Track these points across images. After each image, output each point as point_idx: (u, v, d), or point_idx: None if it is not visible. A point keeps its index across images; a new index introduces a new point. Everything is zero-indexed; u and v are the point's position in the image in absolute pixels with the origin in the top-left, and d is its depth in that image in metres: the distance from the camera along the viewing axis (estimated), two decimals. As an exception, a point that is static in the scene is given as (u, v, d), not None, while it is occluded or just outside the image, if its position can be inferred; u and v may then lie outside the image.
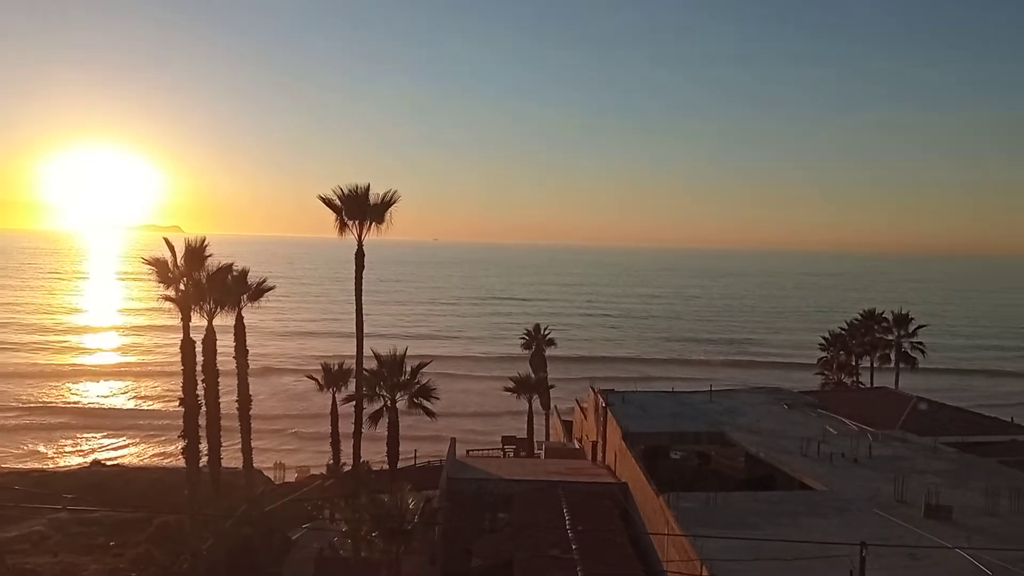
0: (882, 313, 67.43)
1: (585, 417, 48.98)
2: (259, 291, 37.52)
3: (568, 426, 56.77)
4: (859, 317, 67.91)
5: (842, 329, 68.47)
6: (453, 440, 41.34)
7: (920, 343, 66.22)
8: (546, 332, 66.21)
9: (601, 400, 42.18)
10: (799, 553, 19.51)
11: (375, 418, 34.90)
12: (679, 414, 41.37)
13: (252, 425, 37.70)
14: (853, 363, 67.06)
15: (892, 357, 65.26)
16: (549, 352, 66.14)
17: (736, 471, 39.52)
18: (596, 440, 42.23)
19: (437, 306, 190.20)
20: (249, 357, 37.67)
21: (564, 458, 44.42)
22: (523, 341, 66.37)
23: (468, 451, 51.57)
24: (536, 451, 53.09)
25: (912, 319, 66.66)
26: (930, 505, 24.51)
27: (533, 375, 59.82)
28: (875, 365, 66.28)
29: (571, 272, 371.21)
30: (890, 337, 65.84)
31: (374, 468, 40.59)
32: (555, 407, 61.51)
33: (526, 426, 56.26)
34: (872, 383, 64.72)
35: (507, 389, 57.62)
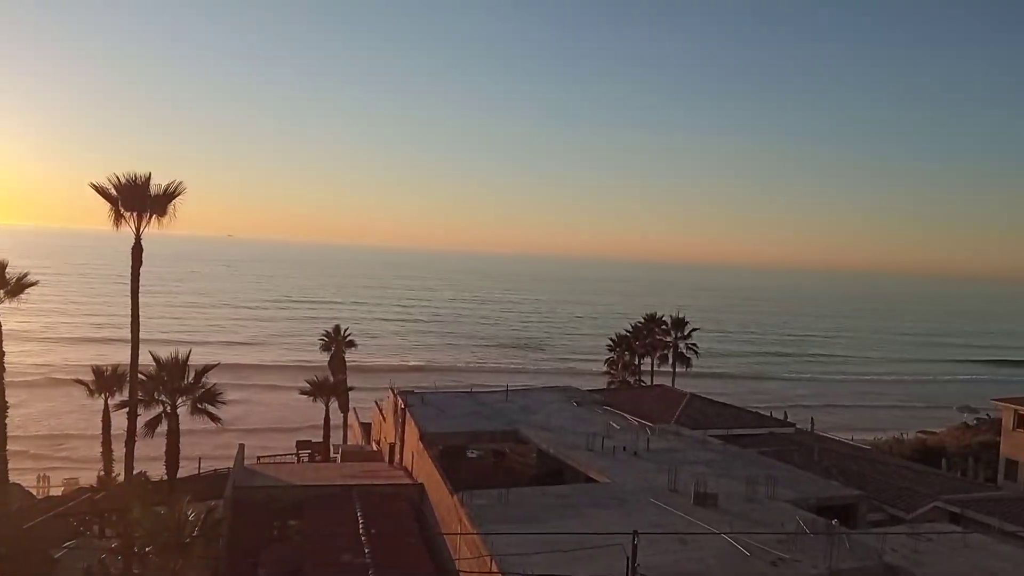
0: (662, 317, 72.68)
1: (384, 419, 48.53)
2: (19, 286, 33.80)
3: (367, 429, 56.06)
4: (642, 320, 72.74)
5: (627, 331, 72.99)
6: (241, 447, 39.38)
7: (694, 344, 72.05)
8: (346, 334, 65.00)
9: (400, 401, 41.97)
10: (583, 543, 20.43)
11: (152, 425, 32.52)
12: (476, 413, 42.04)
13: (12, 435, 33.88)
14: (636, 363, 71.69)
15: (670, 357, 70.50)
16: (350, 355, 65.07)
17: (529, 467, 40.86)
18: (394, 442, 41.97)
19: (233, 308, 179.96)
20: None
21: (361, 461, 43.74)
22: (322, 343, 64.75)
23: (259, 457, 49.44)
24: (333, 455, 51.87)
25: (687, 323, 72.42)
26: (699, 493, 26.55)
27: (332, 377, 58.49)
28: (655, 365, 71.27)
29: (376, 275, 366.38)
30: (668, 339, 71.09)
31: (153, 479, 37.85)
32: (354, 410, 60.53)
33: (323, 430, 54.85)
34: (652, 381, 69.51)
35: (303, 392, 55.85)
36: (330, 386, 55.64)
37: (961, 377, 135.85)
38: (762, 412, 55.29)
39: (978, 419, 78.97)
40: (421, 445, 34.88)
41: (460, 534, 24.36)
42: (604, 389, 62.12)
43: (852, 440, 59.87)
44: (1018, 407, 54.72)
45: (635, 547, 16.21)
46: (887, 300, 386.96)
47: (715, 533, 22.82)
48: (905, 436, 69.13)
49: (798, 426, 52.46)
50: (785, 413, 59.72)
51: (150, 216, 33.03)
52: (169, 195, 33.22)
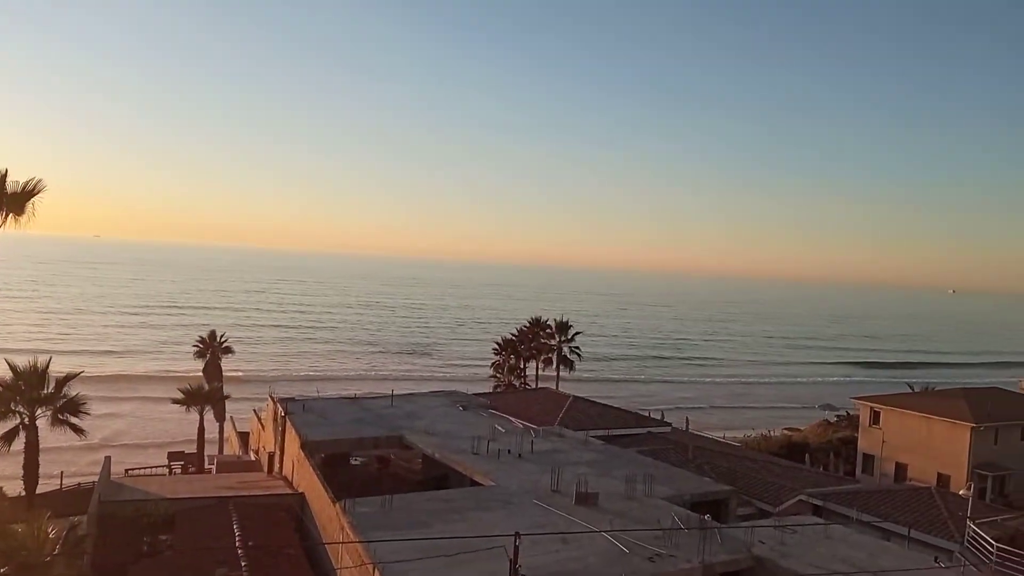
0: (547, 321, 73.84)
1: (263, 428, 47.06)
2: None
3: (245, 438, 54.20)
4: (527, 324, 73.67)
5: (513, 335, 73.73)
6: (107, 459, 37.30)
7: (577, 348, 73.56)
8: (223, 339, 62.72)
9: (280, 409, 40.82)
10: (466, 547, 20.48)
11: (8, 438, 30.33)
12: (360, 420, 41.39)
13: None
14: (522, 366, 72.52)
15: (554, 360, 71.70)
16: (229, 363, 62.86)
17: (414, 473, 40.61)
18: (274, 451, 40.77)
19: (99, 315, 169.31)
20: None
21: (238, 472, 42.23)
22: (196, 349, 62.21)
23: (127, 470, 46.93)
24: (208, 466, 49.84)
25: (571, 326, 73.87)
26: (580, 493, 27.14)
27: (206, 385, 56.22)
28: (540, 367, 72.32)
29: (255, 278, 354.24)
30: (552, 342, 72.29)
31: (10, 495, 35.19)
32: (231, 419, 58.42)
33: (197, 440, 52.59)
34: (537, 384, 70.49)
35: (175, 401, 53.37)
36: (204, 394, 53.41)
37: (830, 378, 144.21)
38: (641, 413, 57.09)
39: (838, 416, 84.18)
40: (302, 453, 34.04)
41: (342, 543, 23.95)
42: (490, 393, 62.49)
43: (724, 438, 62.68)
44: (874, 405, 58.80)
45: (517, 548, 16.41)
46: (760, 304, 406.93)
47: (595, 531, 23.38)
48: (772, 433, 72.89)
49: (674, 426, 54.47)
50: (662, 413, 61.89)
51: (6, 215, 30.80)
52: (28, 193, 31.06)
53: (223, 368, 63.36)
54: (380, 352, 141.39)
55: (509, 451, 34.27)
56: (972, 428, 50.99)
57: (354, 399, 48.25)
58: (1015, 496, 50.13)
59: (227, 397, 57.00)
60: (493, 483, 29.75)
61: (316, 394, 52.58)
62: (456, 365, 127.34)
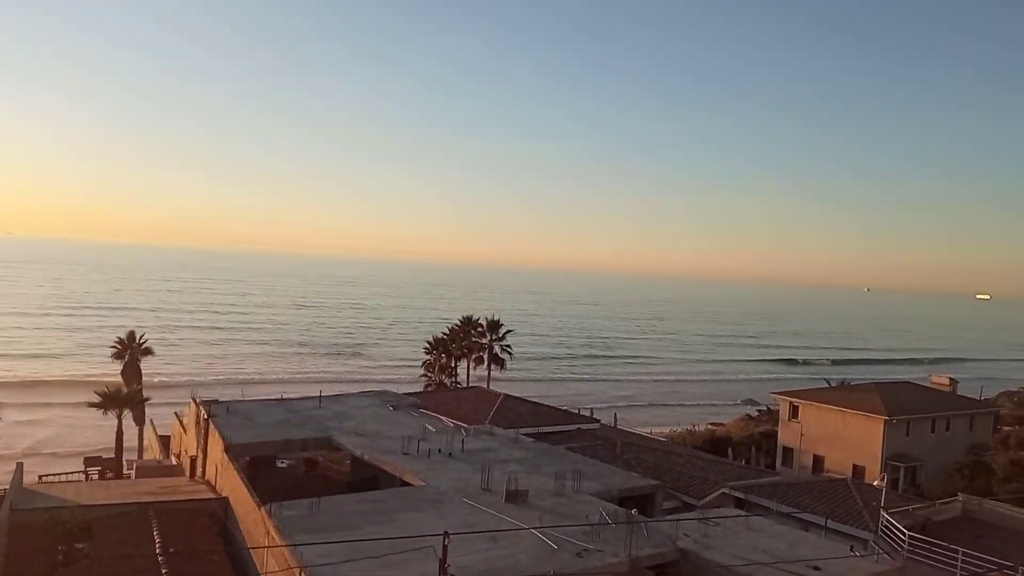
0: (478, 320, 73.93)
1: (184, 431, 45.75)
2: None
3: (166, 442, 52.63)
4: (459, 323, 73.63)
5: (444, 334, 73.59)
6: (19, 465, 35.71)
7: (508, 346, 73.87)
8: (143, 340, 60.79)
9: (203, 411, 39.74)
10: (395, 548, 20.34)
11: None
12: (287, 421, 40.63)
13: None
14: (453, 365, 72.44)
15: (485, 359, 71.85)
16: (150, 366, 60.96)
17: (343, 474, 40.11)
18: (196, 455, 39.68)
19: (10, 316, 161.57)
20: None
21: (159, 477, 40.93)
22: (114, 350, 60.14)
23: (40, 477, 44.98)
24: (127, 471, 48.21)
25: (502, 325, 74.14)
26: (510, 491, 27.26)
27: (125, 387, 54.41)
28: (472, 366, 72.37)
29: (178, 277, 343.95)
30: (484, 341, 72.43)
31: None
32: (151, 422, 56.68)
33: (115, 444, 50.85)
34: (468, 383, 70.51)
35: (92, 404, 51.48)
36: (123, 397, 51.67)
37: (753, 375, 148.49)
38: (571, 411, 57.71)
39: (760, 411, 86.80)
40: (226, 457, 33.23)
41: (267, 547, 23.48)
42: (421, 392, 62.23)
43: (651, 434, 63.90)
44: (793, 400, 60.80)
45: (445, 548, 16.40)
46: (688, 303, 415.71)
47: (524, 529, 23.53)
48: (697, 428, 74.66)
49: (603, 422, 55.25)
50: (591, 410, 62.69)
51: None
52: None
53: (143, 370, 61.44)
54: (310, 353, 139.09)
55: (439, 450, 34.17)
56: (885, 421, 53.24)
57: (281, 400, 47.35)
58: (926, 486, 52.56)
59: (147, 400, 55.31)
60: (423, 483, 29.61)
61: (241, 396, 51.37)
62: (387, 366, 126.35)
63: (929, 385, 75.73)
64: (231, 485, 31.78)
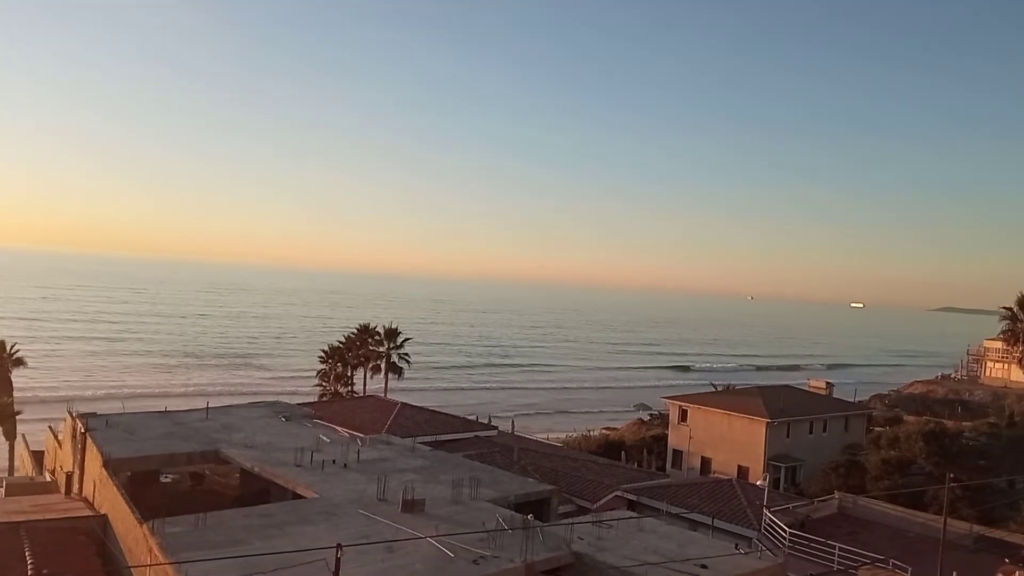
0: (375, 328, 73.04)
1: (60, 446, 43.17)
2: None
3: (39, 458, 49.50)
4: (355, 331, 72.51)
5: (340, 343, 72.32)
6: None
7: (406, 354, 73.28)
8: (13, 351, 57.13)
9: (80, 424, 37.62)
10: (287, 562, 19.83)
11: None
12: (172, 435, 38.95)
13: None
14: (349, 374, 71.27)
15: (383, 367, 71.03)
16: (22, 377, 57.30)
17: (231, 488, 38.81)
18: (72, 471, 37.51)
19: None
20: None
21: (31, 494, 38.44)
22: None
23: None
24: (-7, 490, 45.02)
25: (400, 333, 73.49)
26: (406, 500, 27.04)
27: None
28: (368, 375, 71.40)
29: (52, 284, 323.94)
30: (381, 349, 71.60)
31: None
32: (23, 437, 53.24)
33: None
34: (365, 392, 69.51)
35: (-45, 420, 47.95)
36: (-8, 412, 48.39)
37: (647, 381, 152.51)
38: (468, 418, 57.77)
39: (652, 416, 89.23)
40: (104, 472, 31.56)
41: (150, 565, 22.45)
42: (316, 402, 60.90)
43: (547, 439, 64.73)
44: (682, 404, 62.84)
45: (339, 560, 16.11)
46: (585, 311, 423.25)
47: (420, 538, 23.38)
48: (592, 433, 76.11)
49: (500, 429, 55.58)
50: (489, 417, 62.98)
51: None
52: None
53: (14, 383, 57.68)
54: (197, 365, 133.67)
55: (334, 461, 33.55)
56: (767, 423, 55.73)
57: (165, 413, 45.37)
58: (805, 485, 55.27)
59: (18, 413, 52.03)
60: (316, 495, 29.00)
61: (122, 409, 48.89)
62: (281, 377, 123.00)
63: (807, 389, 79.79)
64: (110, 502, 30.21)
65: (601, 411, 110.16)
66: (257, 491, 34.35)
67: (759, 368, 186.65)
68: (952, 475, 34.81)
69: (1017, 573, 25.99)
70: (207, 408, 45.19)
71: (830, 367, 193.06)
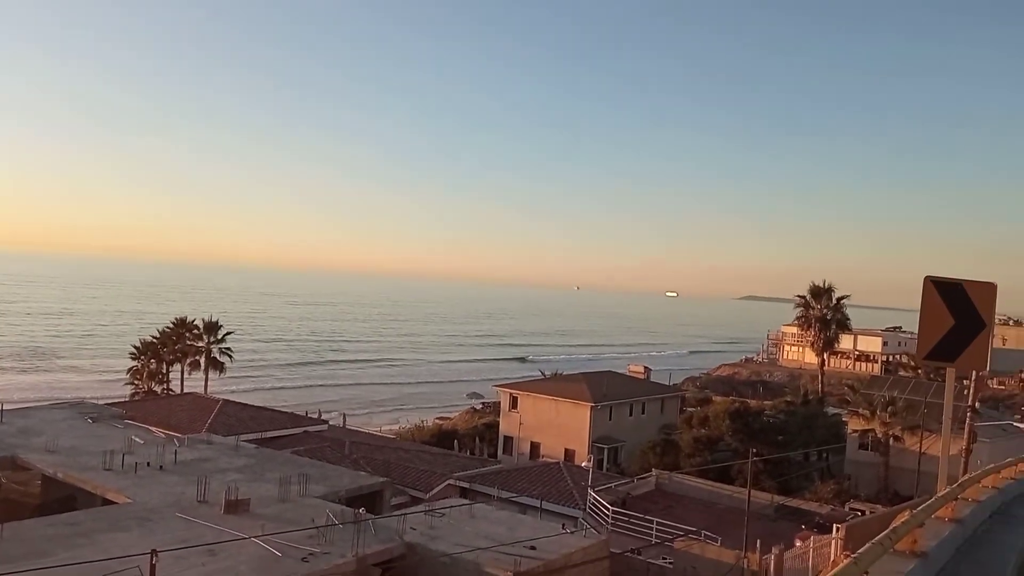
0: (193, 321, 69.17)
1: None
2: None
3: None
4: (171, 325, 68.33)
5: (154, 338, 67.91)
6: None
7: (228, 349, 69.94)
8: None
9: None
10: (94, 572, 18.47)
11: None
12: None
13: None
14: (165, 371, 67.10)
15: (202, 363, 67.41)
16: None
17: (31, 497, 35.54)
18: None
19: None
20: None
21: None
22: None
23: None
24: None
25: (221, 326, 70.00)
26: (229, 501, 25.91)
27: None
28: (187, 371, 67.52)
29: None
30: (200, 344, 67.92)
31: None
32: None
33: None
34: (183, 390, 65.70)
35: None
36: None
37: (480, 370, 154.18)
38: (297, 413, 56.16)
39: (484, 404, 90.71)
40: None
41: (-69, 588, 20.14)
42: (127, 402, 56.88)
43: (380, 431, 64.21)
44: (512, 391, 64.39)
45: (154, 567, 15.23)
46: (421, 304, 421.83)
47: (244, 539, 22.52)
48: (425, 423, 76.27)
49: (331, 423, 54.48)
50: (319, 411, 61.51)
51: None
52: None
53: None
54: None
55: (148, 464, 31.55)
56: (591, 407, 58.25)
57: (-52, 418, 40.71)
58: (626, 464, 58.30)
59: None
60: (129, 500, 27.18)
61: None
62: (88, 376, 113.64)
63: (627, 373, 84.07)
64: None
65: (436, 403, 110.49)
66: (62, 498, 31.72)
67: (584, 355, 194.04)
68: (755, 450, 37.94)
69: (812, 538, 28.83)
70: (0, 411, 41.04)
71: (648, 352, 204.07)
